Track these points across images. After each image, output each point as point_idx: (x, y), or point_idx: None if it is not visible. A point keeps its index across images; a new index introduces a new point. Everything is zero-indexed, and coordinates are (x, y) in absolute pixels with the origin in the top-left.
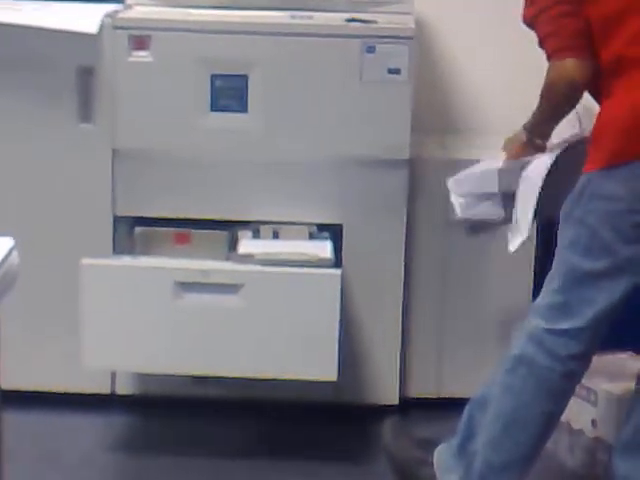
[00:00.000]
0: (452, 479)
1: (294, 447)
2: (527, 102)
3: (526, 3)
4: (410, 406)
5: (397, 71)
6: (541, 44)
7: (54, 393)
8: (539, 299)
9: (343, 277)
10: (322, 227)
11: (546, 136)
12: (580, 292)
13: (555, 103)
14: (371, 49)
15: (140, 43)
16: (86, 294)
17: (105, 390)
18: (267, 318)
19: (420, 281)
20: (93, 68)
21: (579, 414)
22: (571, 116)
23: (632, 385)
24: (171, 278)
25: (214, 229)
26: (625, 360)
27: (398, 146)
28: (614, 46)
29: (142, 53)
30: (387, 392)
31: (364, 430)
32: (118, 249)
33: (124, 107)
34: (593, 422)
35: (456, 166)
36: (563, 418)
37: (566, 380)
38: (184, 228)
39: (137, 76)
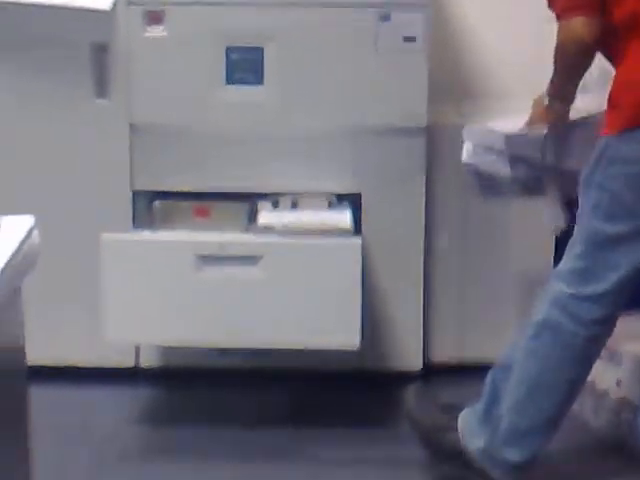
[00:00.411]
0: (477, 444)
1: (317, 415)
2: (543, 67)
3: None
4: (433, 372)
5: (413, 39)
6: (549, 4)
7: (78, 367)
8: (561, 264)
9: (363, 246)
10: (341, 196)
11: (565, 99)
12: (603, 257)
13: (567, 64)
14: (386, 17)
15: (154, 18)
16: (107, 269)
17: (129, 363)
18: (288, 288)
19: (440, 247)
20: (107, 45)
21: (604, 374)
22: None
23: None
24: (191, 251)
25: (233, 201)
26: None
27: (415, 114)
28: (628, 3)
29: (157, 28)
30: (410, 358)
31: (388, 397)
32: (138, 223)
33: (140, 82)
34: (618, 382)
35: None
36: (588, 378)
37: (590, 344)
38: (203, 201)
39: (152, 51)
